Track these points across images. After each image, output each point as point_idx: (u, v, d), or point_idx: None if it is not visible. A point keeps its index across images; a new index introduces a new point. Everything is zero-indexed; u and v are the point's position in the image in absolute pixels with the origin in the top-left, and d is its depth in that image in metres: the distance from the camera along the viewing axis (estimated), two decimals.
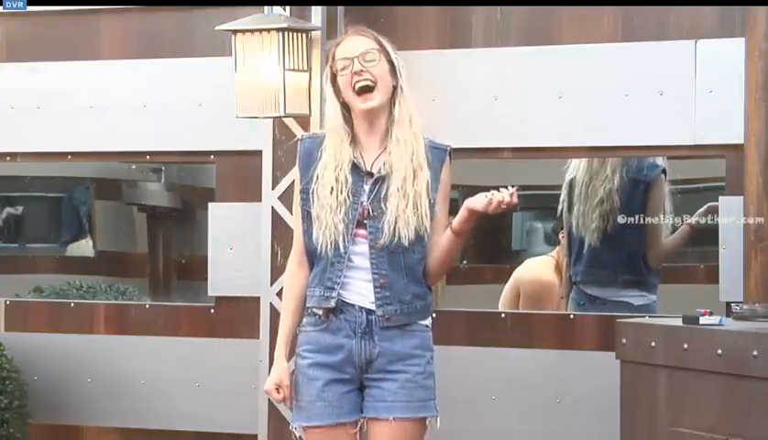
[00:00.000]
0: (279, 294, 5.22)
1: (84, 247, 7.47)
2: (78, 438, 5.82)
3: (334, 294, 3.86)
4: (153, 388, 5.64)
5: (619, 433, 4.50)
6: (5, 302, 5.91)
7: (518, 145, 5.21)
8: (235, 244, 5.51)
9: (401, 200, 3.82)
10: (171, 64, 5.64)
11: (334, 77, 3.90)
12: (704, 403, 4.14)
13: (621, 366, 4.50)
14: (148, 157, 5.81)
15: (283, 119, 5.22)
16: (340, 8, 5.28)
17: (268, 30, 5.03)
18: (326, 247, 3.85)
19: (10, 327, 5.86)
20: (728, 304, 4.76)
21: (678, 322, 4.33)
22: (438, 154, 3.96)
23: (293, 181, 4.09)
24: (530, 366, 5.13)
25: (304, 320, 3.99)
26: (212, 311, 5.58)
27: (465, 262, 6.97)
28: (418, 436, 3.92)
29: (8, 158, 5.95)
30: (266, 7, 5.16)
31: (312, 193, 3.88)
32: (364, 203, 3.86)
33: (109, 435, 5.78)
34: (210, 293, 5.57)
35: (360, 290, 3.87)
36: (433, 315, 4.10)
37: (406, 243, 3.83)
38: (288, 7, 5.17)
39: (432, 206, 3.90)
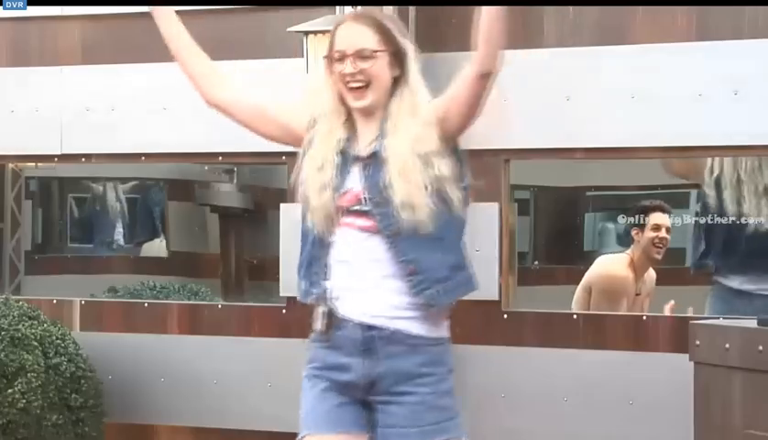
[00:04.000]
0: None
1: (158, 248, 7.53)
2: (152, 437, 5.87)
3: (316, 292, 3.37)
4: (226, 387, 5.68)
5: (693, 436, 4.46)
6: (81, 301, 5.98)
7: (590, 145, 5.19)
8: None
9: (408, 185, 3.31)
10: (244, 66, 5.66)
11: (331, 61, 3.42)
12: None
13: (695, 368, 4.46)
14: (220, 158, 5.85)
15: None
16: (412, 8, 5.29)
17: None
18: (312, 231, 3.36)
19: (85, 327, 5.92)
20: None
21: (753, 324, 4.29)
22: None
23: None
24: (602, 367, 5.11)
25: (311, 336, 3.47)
26: (283, 311, 5.61)
27: (536, 263, 6.95)
28: None
29: (83, 159, 6.02)
30: (338, 8, 5.18)
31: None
32: (358, 189, 3.35)
33: (182, 434, 5.82)
34: (282, 294, 5.60)
35: (356, 301, 3.35)
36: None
37: (424, 231, 3.30)
38: (359, 7, 5.18)
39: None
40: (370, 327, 3.33)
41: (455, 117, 3.34)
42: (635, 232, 5.93)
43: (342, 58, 3.37)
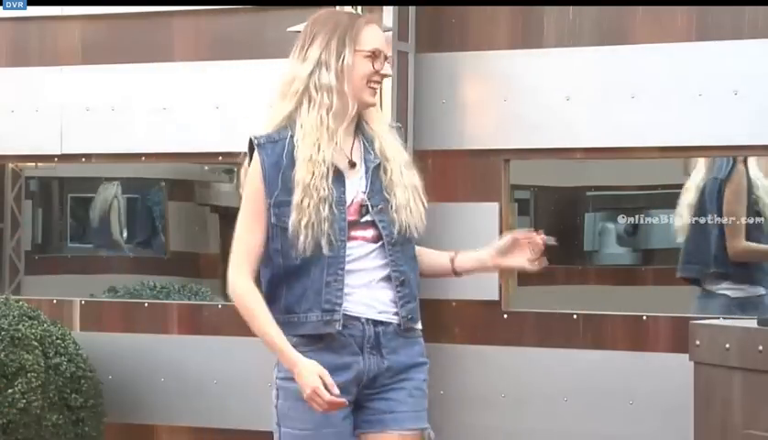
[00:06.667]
0: None
1: (158, 248, 7.53)
2: (151, 437, 5.87)
3: (338, 317, 3.33)
4: (226, 387, 5.68)
5: (693, 435, 4.46)
6: (81, 301, 5.98)
7: (590, 145, 5.19)
8: None
9: (405, 189, 3.38)
10: (243, 66, 5.67)
11: (356, 57, 3.37)
12: None
13: (695, 368, 4.46)
14: (220, 158, 5.85)
15: None
16: (412, 8, 5.29)
17: None
18: (317, 257, 3.30)
19: (85, 327, 5.92)
20: None
21: (753, 324, 4.29)
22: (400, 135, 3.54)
23: None
24: (602, 367, 5.11)
25: (293, 340, 3.33)
26: None
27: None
28: None
29: (83, 159, 6.02)
30: (338, 8, 5.17)
31: (287, 205, 3.34)
32: (360, 198, 3.37)
33: (182, 434, 5.82)
34: None
35: (364, 299, 3.37)
36: None
37: (416, 234, 3.40)
38: (359, 7, 5.18)
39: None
40: (377, 323, 3.37)
41: None
42: None
43: (377, 56, 3.39)
